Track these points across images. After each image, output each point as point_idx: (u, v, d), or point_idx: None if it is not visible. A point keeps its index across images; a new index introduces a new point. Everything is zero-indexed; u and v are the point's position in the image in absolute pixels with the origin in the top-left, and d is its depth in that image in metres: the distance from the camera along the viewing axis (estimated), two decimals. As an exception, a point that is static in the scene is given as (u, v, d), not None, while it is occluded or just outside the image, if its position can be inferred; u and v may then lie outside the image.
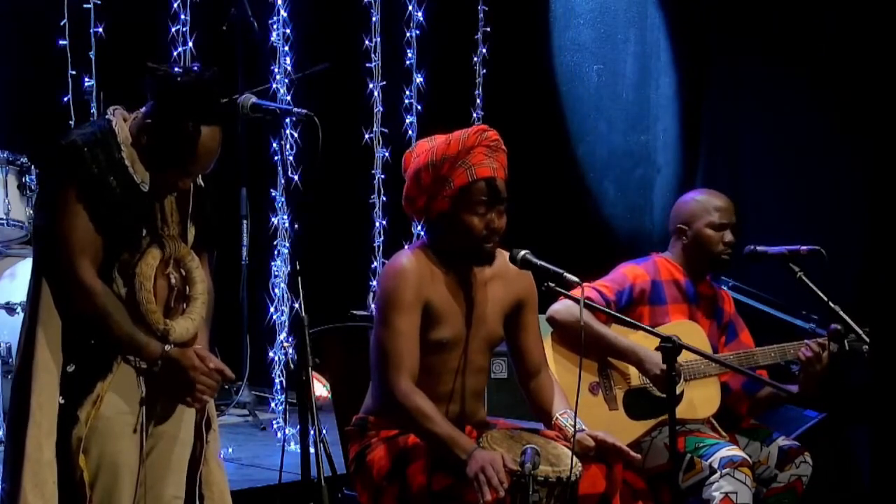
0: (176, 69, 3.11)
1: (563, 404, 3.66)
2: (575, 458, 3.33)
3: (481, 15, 6.40)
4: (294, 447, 5.00)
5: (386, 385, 3.47)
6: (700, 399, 4.19)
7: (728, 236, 4.28)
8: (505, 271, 3.65)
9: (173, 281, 3.24)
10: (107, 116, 3.18)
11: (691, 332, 4.15)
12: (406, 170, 3.62)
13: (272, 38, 5.64)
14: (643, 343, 4.14)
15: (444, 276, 3.58)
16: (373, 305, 5.72)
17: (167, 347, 3.16)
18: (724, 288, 4.81)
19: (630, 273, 4.27)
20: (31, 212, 5.27)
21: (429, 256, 3.58)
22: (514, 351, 3.76)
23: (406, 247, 3.70)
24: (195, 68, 3.13)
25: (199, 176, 3.29)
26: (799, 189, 5.76)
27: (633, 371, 4.20)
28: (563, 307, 4.14)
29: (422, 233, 5.56)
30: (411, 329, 3.48)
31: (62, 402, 3.11)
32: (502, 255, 3.62)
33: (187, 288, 3.26)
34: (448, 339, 3.57)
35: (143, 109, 3.18)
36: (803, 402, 4.58)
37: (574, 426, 3.48)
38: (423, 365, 3.51)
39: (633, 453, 3.54)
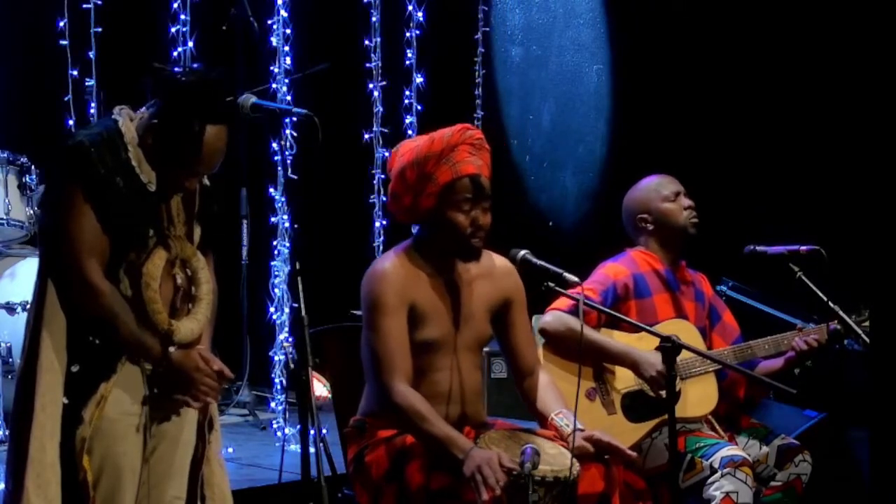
0: (181, 69, 3.11)
1: (560, 404, 3.66)
2: (573, 458, 3.34)
3: (481, 15, 6.40)
4: (294, 447, 5.01)
5: (381, 388, 3.48)
6: (697, 396, 4.18)
7: (686, 201, 4.28)
8: (490, 270, 3.66)
9: (179, 281, 3.23)
10: (113, 116, 3.17)
11: (683, 331, 4.13)
12: (391, 169, 3.63)
13: (272, 38, 5.65)
14: (636, 345, 4.14)
15: (428, 276, 3.58)
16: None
17: (171, 349, 3.15)
18: (728, 286, 4.80)
19: (610, 271, 4.25)
20: (32, 212, 5.27)
21: (411, 258, 3.59)
22: (507, 351, 3.77)
23: (391, 251, 3.69)
24: (201, 68, 3.13)
25: (205, 176, 3.28)
26: (799, 189, 5.76)
27: (627, 374, 4.18)
28: (552, 318, 4.12)
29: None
30: (399, 331, 3.49)
31: (66, 402, 3.10)
32: (487, 255, 3.63)
33: (193, 288, 3.26)
34: (436, 339, 3.57)
35: (146, 109, 3.17)
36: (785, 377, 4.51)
37: (571, 425, 3.49)
38: (414, 366, 3.51)
39: (629, 452, 3.55)
